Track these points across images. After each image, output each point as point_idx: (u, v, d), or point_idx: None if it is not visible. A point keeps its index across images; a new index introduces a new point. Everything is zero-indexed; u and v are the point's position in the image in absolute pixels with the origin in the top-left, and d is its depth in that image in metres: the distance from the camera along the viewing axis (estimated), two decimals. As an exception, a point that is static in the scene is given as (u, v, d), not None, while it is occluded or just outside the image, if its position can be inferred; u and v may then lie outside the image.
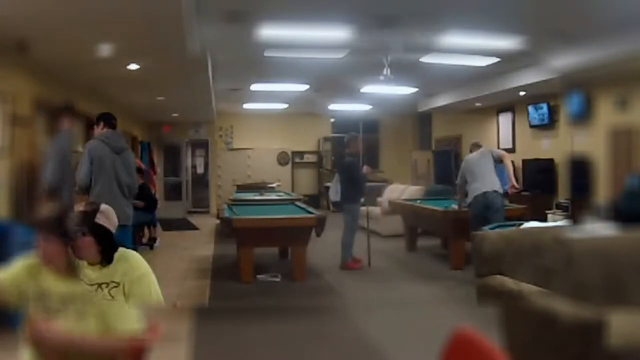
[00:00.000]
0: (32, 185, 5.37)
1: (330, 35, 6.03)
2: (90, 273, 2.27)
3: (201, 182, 14.62)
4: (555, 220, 7.84)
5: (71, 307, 2.15)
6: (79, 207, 2.41)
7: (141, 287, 2.30)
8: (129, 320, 2.23)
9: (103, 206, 2.36)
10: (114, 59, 5.56)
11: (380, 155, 15.60)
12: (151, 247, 8.67)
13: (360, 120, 15.20)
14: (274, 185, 12.53)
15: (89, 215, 2.30)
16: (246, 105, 12.98)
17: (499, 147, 10.99)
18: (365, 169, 7.48)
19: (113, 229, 2.35)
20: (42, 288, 2.17)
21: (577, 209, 7.58)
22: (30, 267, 2.21)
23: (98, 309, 2.19)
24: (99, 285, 2.24)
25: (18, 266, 2.23)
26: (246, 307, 5.50)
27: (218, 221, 9.83)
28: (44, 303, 2.16)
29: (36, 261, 2.22)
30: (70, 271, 2.21)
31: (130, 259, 2.34)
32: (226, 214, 6.92)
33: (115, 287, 2.26)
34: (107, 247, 2.30)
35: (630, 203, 3.99)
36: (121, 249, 2.37)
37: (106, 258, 2.29)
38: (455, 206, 7.25)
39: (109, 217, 2.34)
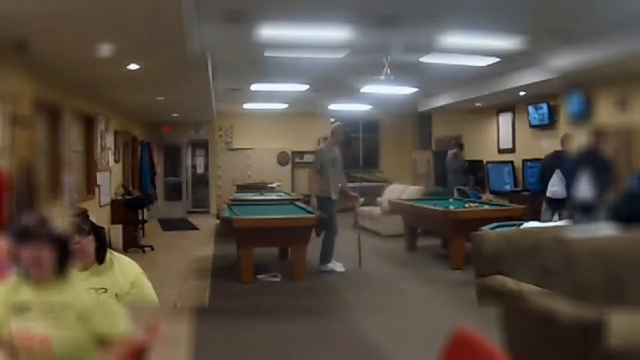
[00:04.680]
0: (32, 185, 5.37)
1: (330, 35, 6.03)
2: (82, 280, 2.21)
3: (201, 182, 14.61)
4: (555, 220, 7.83)
5: (52, 315, 1.97)
6: (70, 213, 2.42)
7: (137, 289, 2.32)
8: (115, 324, 2.06)
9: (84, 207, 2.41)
10: (114, 59, 5.55)
11: (380, 155, 15.60)
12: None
13: (360, 120, 15.20)
14: (274, 185, 12.52)
15: (86, 216, 2.35)
16: (246, 105, 12.97)
17: (498, 147, 11.03)
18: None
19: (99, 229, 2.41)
20: (23, 302, 2.00)
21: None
22: (5, 291, 2.04)
23: (82, 314, 2.00)
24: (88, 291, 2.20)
25: None
26: (246, 307, 5.50)
27: (218, 221, 9.83)
28: (25, 316, 1.98)
29: (11, 281, 2.07)
30: (53, 279, 2.03)
31: (121, 263, 2.37)
32: (226, 214, 6.93)
33: (104, 292, 2.26)
34: (100, 246, 2.34)
35: (629, 203, 3.99)
36: (110, 254, 2.39)
37: (100, 258, 2.32)
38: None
39: (93, 217, 2.42)
